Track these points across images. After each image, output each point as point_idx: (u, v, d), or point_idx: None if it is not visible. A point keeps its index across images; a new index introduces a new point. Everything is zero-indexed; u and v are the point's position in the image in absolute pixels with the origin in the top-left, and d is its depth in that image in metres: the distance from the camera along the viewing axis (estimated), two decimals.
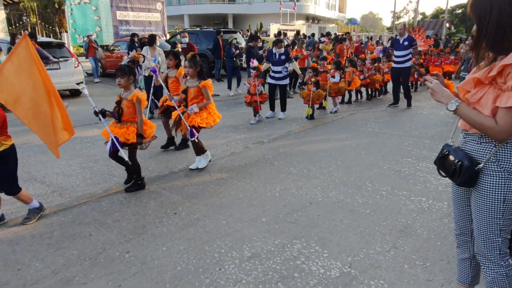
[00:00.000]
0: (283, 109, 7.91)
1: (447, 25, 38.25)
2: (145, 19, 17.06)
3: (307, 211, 3.67)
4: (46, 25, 19.83)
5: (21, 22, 20.86)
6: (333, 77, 8.20)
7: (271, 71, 7.83)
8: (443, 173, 1.99)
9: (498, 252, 1.88)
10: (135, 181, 4.23)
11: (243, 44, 13.57)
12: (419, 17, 44.35)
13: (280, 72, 7.65)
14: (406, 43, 8.52)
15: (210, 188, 4.24)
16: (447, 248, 3.04)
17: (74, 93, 10.55)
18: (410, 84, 9.88)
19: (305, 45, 11.63)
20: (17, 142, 3.48)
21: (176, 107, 4.77)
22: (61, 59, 9.63)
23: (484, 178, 1.80)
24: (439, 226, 3.39)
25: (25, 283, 2.61)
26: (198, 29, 17.02)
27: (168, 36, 18.18)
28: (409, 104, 9.07)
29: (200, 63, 4.79)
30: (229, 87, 10.99)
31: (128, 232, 3.28)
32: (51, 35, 20.38)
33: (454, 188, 2.07)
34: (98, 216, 3.59)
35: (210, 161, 4.94)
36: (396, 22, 45.50)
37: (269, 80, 7.84)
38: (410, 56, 8.63)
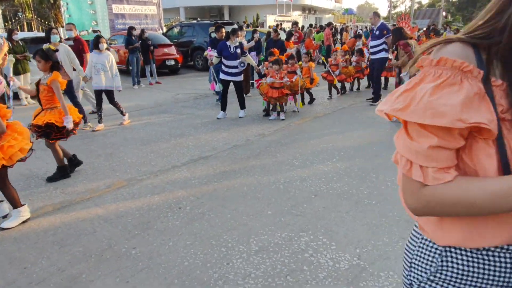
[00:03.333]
0: (243, 106, 7.25)
1: (444, 13, 38.09)
2: (141, 12, 16.84)
3: (312, 203, 3.65)
4: (42, 20, 19.60)
5: (16, 18, 20.62)
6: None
7: (223, 66, 6.98)
8: None
9: None
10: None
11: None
12: (416, 6, 44.09)
13: (235, 67, 6.91)
14: (377, 32, 7.74)
15: (213, 181, 4.21)
16: None
17: None
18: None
19: (313, 35, 11.29)
20: None
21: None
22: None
23: None
24: None
25: (31, 282, 2.58)
26: (195, 21, 16.85)
27: (165, 29, 18.01)
28: (375, 100, 8.03)
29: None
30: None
31: (133, 227, 3.25)
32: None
33: None
34: (101, 212, 3.55)
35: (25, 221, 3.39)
36: (392, 12, 45.30)
37: (222, 76, 7.08)
38: (383, 46, 7.71)
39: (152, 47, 11.01)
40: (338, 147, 5.31)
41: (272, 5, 31.84)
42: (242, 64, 6.98)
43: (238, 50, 6.92)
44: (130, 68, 10.88)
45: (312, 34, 10.51)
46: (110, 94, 6.49)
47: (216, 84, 7.67)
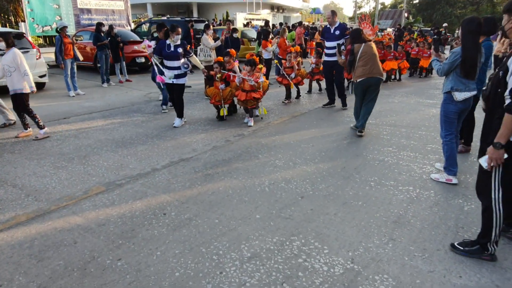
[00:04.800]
0: (180, 114, 6.45)
1: (406, 14, 39.40)
2: (108, 8, 16.24)
3: (300, 206, 3.62)
4: (1, 15, 18.45)
5: None
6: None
7: (165, 68, 6.39)
8: None
9: None
10: None
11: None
12: (379, 6, 45.36)
13: (177, 68, 6.28)
14: (337, 32, 7.12)
15: (197, 185, 4.09)
16: (441, 237, 3.08)
17: (37, 87, 9.85)
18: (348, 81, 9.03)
19: (287, 34, 11.18)
20: None
21: None
22: (21, 51, 8.95)
23: None
24: (430, 215, 3.45)
25: None
26: (165, 18, 16.45)
27: (133, 26, 17.48)
28: (344, 104, 7.73)
29: None
30: None
31: (117, 236, 3.09)
32: (7, 24, 19.00)
33: None
34: (80, 220, 3.36)
35: None
36: (357, 12, 46.30)
37: (164, 78, 6.43)
38: (343, 48, 7.05)
39: (121, 44, 10.63)
40: (319, 147, 5.32)
41: (241, 3, 31.69)
42: (185, 66, 6.31)
43: (180, 49, 6.25)
44: (99, 65, 10.46)
45: (286, 33, 10.45)
46: (21, 98, 5.70)
47: (163, 74, 6.43)
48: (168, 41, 6.25)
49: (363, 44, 5.72)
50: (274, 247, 2.95)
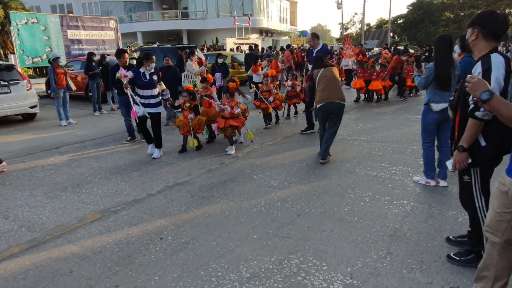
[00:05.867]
0: (159, 144, 6.16)
1: (391, 34, 40.52)
2: (98, 38, 16.49)
3: (296, 224, 3.62)
4: None
5: None
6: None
7: (139, 98, 5.97)
8: None
9: None
10: None
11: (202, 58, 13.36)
12: (365, 27, 46.59)
13: (154, 96, 5.98)
14: None
15: (193, 208, 4.08)
16: (438, 249, 3.10)
17: (28, 118, 9.91)
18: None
19: (280, 57, 11.24)
20: None
21: None
22: (11, 82, 9.01)
23: None
24: (425, 228, 3.47)
25: None
26: (155, 45, 16.71)
27: None
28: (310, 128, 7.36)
29: None
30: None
31: (113, 263, 3.06)
32: None
33: None
34: (76, 249, 3.32)
35: None
36: (344, 33, 47.44)
37: (137, 108, 5.94)
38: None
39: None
40: (313, 166, 5.37)
41: (230, 29, 32.34)
42: (163, 93, 6.03)
43: (155, 77, 6.01)
44: (90, 94, 10.53)
45: (279, 57, 10.66)
46: None
47: (137, 109, 5.97)
48: (142, 70, 5.92)
49: (322, 68, 5.56)
50: (272, 266, 2.93)
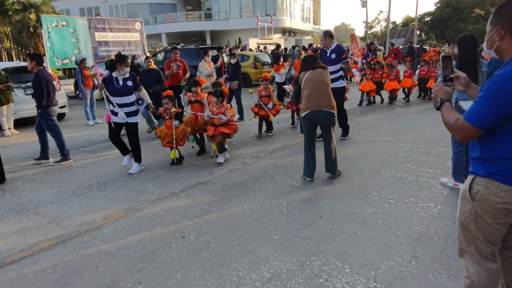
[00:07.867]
0: (138, 158, 5.55)
1: (418, 32, 39.55)
2: (124, 39, 16.85)
3: (318, 225, 3.58)
4: (22, 50, 19.34)
5: None
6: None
7: (111, 106, 5.33)
8: None
9: None
10: None
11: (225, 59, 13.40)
12: (391, 26, 45.67)
13: (129, 104, 5.34)
14: (333, 56, 6.31)
15: (215, 207, 4.10)
16: None
17: (57, 117, 10.20)
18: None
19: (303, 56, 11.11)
20: None
21: None
22: None
23: None
24: (453, 231, 3.36)
25: None
26: (179, 46, 16.95)
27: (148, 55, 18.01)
28: (345, 134, 6.81)
29: None
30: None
31: (137, 260, 3.11)
32: (27, 59, 19.91)
33: None
34: (102, 245, 3.40)
35: None
36: (369, 32, 46.68)
37: (114, 118, 5.34)
38: (341, 73, 6.40)
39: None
40: None
41: (253, 29, 32.41)
42: (140, 102, 5.44)
43: (130, 83, 5.32)
44: None
45: (302, 55, 10.54)
46: None
47: (112, 114, 5.38)
48: (114, 74, 5.23)
49: (310, 70, 4.73)
50: (294, 267, 2.91)
